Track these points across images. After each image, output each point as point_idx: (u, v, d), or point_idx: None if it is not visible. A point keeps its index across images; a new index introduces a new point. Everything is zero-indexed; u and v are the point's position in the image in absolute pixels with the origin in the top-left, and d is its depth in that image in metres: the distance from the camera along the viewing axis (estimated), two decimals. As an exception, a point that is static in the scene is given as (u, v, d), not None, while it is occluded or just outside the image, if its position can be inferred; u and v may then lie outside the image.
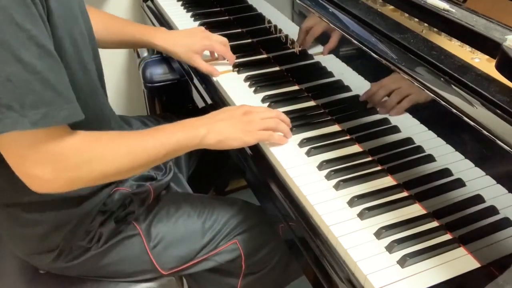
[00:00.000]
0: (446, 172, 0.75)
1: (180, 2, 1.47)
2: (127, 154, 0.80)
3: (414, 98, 0.79)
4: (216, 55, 1.20)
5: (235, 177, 1.63)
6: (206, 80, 1.16)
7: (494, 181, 0.68)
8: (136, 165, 0.81)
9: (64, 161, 0.73)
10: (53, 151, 0.72)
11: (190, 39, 1.14)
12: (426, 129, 0.77)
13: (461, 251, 0.72)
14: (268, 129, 0.91)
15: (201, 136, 0.86)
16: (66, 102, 0.72)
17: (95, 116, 0.89)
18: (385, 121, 0.87)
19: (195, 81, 1.22)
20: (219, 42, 1.15)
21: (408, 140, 0.82)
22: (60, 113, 0.70)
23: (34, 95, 0.67)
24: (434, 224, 0.76)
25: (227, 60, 1.17)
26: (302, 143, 0.92)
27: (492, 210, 0.69)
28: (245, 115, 0.91)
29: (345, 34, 0.87)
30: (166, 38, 1.15)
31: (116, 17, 1.19)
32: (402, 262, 0.70)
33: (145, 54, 1.61)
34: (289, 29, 1.08)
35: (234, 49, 1.18)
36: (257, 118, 0.91)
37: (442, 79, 0.71)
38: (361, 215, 0.77)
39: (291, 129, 0.95)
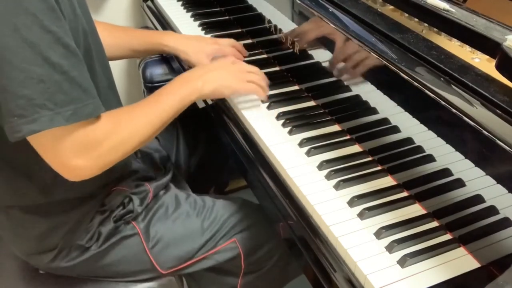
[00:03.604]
0: (446, 172, 0.75)
1: (180, 2, 1.47)
2: (146, 125, 0.86)
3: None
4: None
5: (235, 177, 1.63)
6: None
7: (494, 181, 0.67)
8: (154, 131, 0.87)
9: (97, 148, 0.79)
10: (86, 141, 0.77)
11: (200, 42, 1.16)
12: (426, 129, 0.77)
13: (461, 251, 0.72)
14: (254, 82, 1.00)
15: (199, 88, 0.93)
16: (91, 97, 0.76)
17: None
18: (385, 121, 0.87)
19: (195, 81, 1.21)
20: (227, 45, 1.16)
21: (408, 140, 0.82)
22: (86, 108, 0.75)
23: (64, 94, 0.72)
24: (434, 224, 0.76)
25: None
26: (302, 143, 0.92)
27: (492, 210, 0.68)
28: (234, 63, 1.03)
29: (345, 34, 0.87)
30: (176, 39, 1.16)
31: (121, 26, 1.21)
32: (402, 262, 0.70)
33: (145, 54, 1.61)
34: (289, 29, 1.08)
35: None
36: (245, 68, 1.02)
37: (442, 79, 0.71)
38: (361, 215, 0.77)
39: (291, 129, 0.95)
